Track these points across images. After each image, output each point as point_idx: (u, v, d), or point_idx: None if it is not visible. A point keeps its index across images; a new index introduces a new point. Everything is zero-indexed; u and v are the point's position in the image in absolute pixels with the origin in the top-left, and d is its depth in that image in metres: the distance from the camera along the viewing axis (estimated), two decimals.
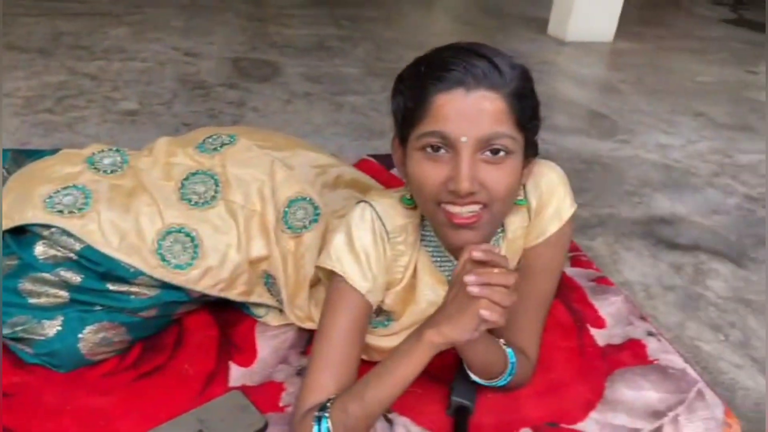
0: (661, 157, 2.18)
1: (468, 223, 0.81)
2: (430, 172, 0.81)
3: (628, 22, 3.86)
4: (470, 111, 0.78)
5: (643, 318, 1.30)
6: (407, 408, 1.02)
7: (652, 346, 1.22)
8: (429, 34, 3.57)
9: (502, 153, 0.80)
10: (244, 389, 1.02)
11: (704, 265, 1.56)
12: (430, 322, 0.82)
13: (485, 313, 0.75)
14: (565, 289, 1.36)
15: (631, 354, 1.20)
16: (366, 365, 1.03)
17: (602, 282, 1.40)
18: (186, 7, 3.46)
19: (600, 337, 1.24)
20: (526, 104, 0.82)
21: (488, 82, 0.78)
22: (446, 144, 0.80)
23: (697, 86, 3.03)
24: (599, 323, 1.27)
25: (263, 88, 2.41)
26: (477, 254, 0.77)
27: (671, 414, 1.07)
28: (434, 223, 0.88)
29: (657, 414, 1.06)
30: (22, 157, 1.36)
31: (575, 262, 1.47)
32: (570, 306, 1.31)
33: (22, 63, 2.38)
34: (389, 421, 1.00)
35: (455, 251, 0.94)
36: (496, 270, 0.76)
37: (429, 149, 0.81)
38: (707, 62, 3.46)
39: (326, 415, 0.83)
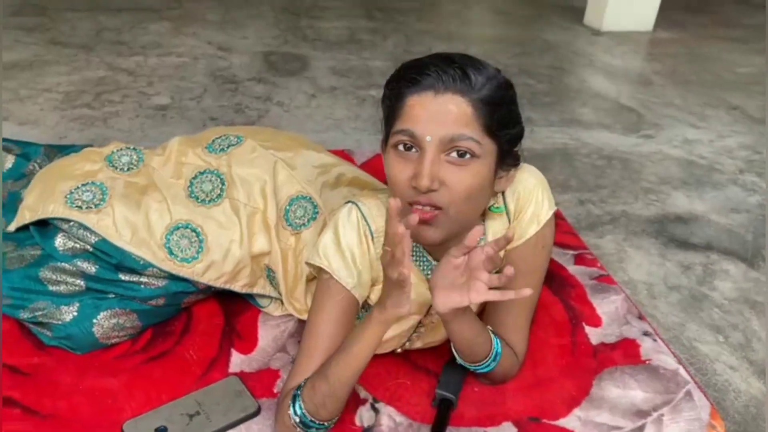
0: (686, 153, 2.15)
1: (427, 219, 0.86)
2: (400, 169, 0.87)
3: (670, 10, 3.76)
4: (437, 112, 0.84)
5: (641, 317, 1.31)
6: (395, 398, 1.08)
7: (646, 346, 1.23)
8: (460, 24, 3.56)
9: (467, 156, 0.84)
10: (242, 375, 1.09)
11: (714, 265, 1.55)
12: (378, 302, 0.87)
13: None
14: (565, 286, 1.38)
15: (623, 353, 1.21)
16: None
17: (604, 280, 1.42)
18: (224, 1, 3.56)
19: (594, 335, 1.26)
20: (497, 112, 0.86)
21: (456, 87, 0.84)
22: (414, 143, 0.85)
23: (735, 78, 2.94)
24: (595, 322, 1.29)
25: (290, 83, 2.47)
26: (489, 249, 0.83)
27: (655, 414, 1.09)
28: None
29: (641, 413, 1.08)
30: (54, 151, 1.46)
31: (579, 260, 1.48)
32: (567, 304, 1.33)
33: (65, 58, 2.51)
34: (375, 410, 1.05)
35: (433, 250, 0.99)
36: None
37: (401, 147, 0.87)
38: (750, 52, 3.35)
39: (299, 392, 0.91)
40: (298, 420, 0.91)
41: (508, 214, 1.02)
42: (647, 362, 1.19)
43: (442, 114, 0.84)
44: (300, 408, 0.90)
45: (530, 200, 1.01)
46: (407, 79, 0.86)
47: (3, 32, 2.74)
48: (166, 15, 3.20)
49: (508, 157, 0.91)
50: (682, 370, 1.18)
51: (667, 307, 1.39)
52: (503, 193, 1.01)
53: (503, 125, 0.87)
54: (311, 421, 0.90)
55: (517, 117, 0.91)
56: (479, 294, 0.83)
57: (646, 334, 1.27)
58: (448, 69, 0.84)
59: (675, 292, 1.44)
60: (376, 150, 1.92)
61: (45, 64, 2.44)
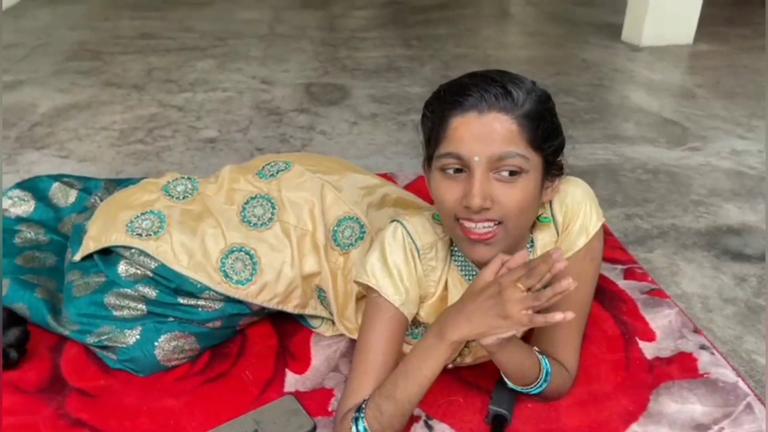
0: (735, 164, 2.11)
1: (483, 238, 0.88)
2: (448, 189, 0.89)
3: (710, 23, 3.71)
4: (482, 132, 0.85)
5: (696, 331, 1.29)
6: (448, 415, 1.08)
7: (704, 360, 1.21)
8: (496, 47, 3.60)
9: (515, 174, 0.86)
10: (297, 394, 1.12)
11: None
12: (448, 321, 0.88)
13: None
14: (616, 301, 1.37)
15: (680, 367, 1.19)
16: None
17: (656, 294, 1.40)
18: (264, 37, 3.68)
19: (648, 350, 1.24)
20: (540, 126, 0.87)
21: (499, 105, 0.85)
22: (462, 164, 0.87)
23: None
24: (649, 336, 1.27)
25: (332, 111, 2.54)
26: (514, 262, 0.85)
27: (716, 427, 1.06)
28: (454, 238, 0.95)
29: (701, 427, 1.06)
30: (113, 185, 1.54)
31: (629, 274, 1.47)
32: (619, 319, 1.32)
33: (118, 98, 2.64)
34: (429, 427, 1.06)
35: (482, 265, 1.00)
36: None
37: (449, 171, 0.88)
38: None
39: (362, 415, 0.91)
40: None
41: (556, 226, 1.02)
42: (705, 376, 1.17)
43: (487, 133, 0.85)
44: (364, 429, 0.92)
45: (578, 212, 1.01)
46: (449, 101, 0.88)
47: (60, 75, 2.91)
48: (211, 53, 3.33)
49: (553, 168, 0.93)
50: (741, 383, 1.15)
51: (723, 320, 1.36)
52: (551, 205, 1.02)
53: (547, 138, 0.89)
54: None
55: (559, 128, 0.93)
56: (522, 321, 0.82)
57: (703, 347, 1.24)
58: (489, 88, 0.86)
59: (731, 305, 1.41)
60: (418, 172, 1.95)
61: (101, 104, 2.57)
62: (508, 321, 0.82)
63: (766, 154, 2.15)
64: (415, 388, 0.90)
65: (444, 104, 0.88)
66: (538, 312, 0.82)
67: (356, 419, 0.92)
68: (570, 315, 0.80)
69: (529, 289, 0.81)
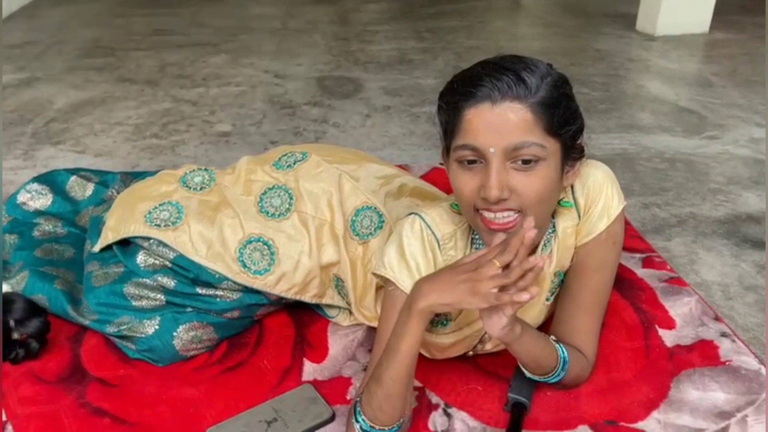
0: (754, 152, 2.08)
1: (503, 228, 0.87)
2: (465, 181, 0.88)
3: (725, 11, 3.66)
4: (497, 123, 0.84)
5: (717, 319, 1.27)
6: (467, 403, 1.08)
7: (726, 347, 1.20)
8: (509, 38, 3.57)
9: (533, 162, 0.85)
10: (315, 383, 1.12)
11: None
12: (417, 290, 0.87)
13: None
14: (635, 290, 1.35)
15: (701, 355, 1.18)
16: (426, 362, 1.10)
17: (675, 282, 1.38)
18: (277, 32, 3.68)
19: (669, 337, 1.23)
20: (556, 112, 0.86)
21: (513, 94, 0.84)
22: (478, 156, 0.86)
23: None
24: (669, 324, 1.26)
25: (345, 104, 2.53)
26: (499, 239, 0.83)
27: (739, 415, 1.05)
28: (476, 228, 0.94)
29: (723, 415, 1.05)
30: (129, 178, 1.55)
31: (647, 263, 1.45)
32: (638, 307, 1.30)
33: (133, 94, 2.65)
34: (448, 416, 1.06)
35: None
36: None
37: (465, 162, 0.88)
38: None
39: (358, 400, 0.93)
40: (359, 428, 0.92)
41: (578, 208, 1.01)
42: (727, 363, 1.16)
43: (502, 124, 0.84)
44: (360, 416, 0.92)
45: (600, 195, 1.00)
46: (461, 92, 0.87)
47: (75, 72, 2.93)
48: (224, 48, 3.34)
49: (572, 152, 0.92)
50: (764, 370, 1.13)
51: (744, 307, 1.35)
52: (572, 189, 1.01)
53: (564, 123, 0.87)
54: (371, 427, 0.91)
55: (576, 111, 0.91)
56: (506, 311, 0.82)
57: (724, 335, 1.23)
58: (501, 76, 0.84)
59: (752, 293, 1.39)
60: (432, 163, 1.94)
61: (115, 100, 2.59)
62: (476, 297, 0.81)
63: (767, 143, 2.12)
64: (397, 366, 0.88)
65: (457, 96, 0.87)
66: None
67: (354, 405, 0.94)
68: (532, 233, 0.78)
69: (507, 267, 0.80)
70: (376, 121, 2.37)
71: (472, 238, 1.02)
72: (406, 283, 0.97)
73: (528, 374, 1.02)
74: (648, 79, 2.85)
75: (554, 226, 1.02)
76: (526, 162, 0.85)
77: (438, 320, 1.09)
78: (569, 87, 0.90)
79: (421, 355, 1.02)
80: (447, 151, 0.93)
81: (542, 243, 1.01)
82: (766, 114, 2.37)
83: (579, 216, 1.02)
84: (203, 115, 2.43)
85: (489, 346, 1.12)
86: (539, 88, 0.85)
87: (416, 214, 1.01)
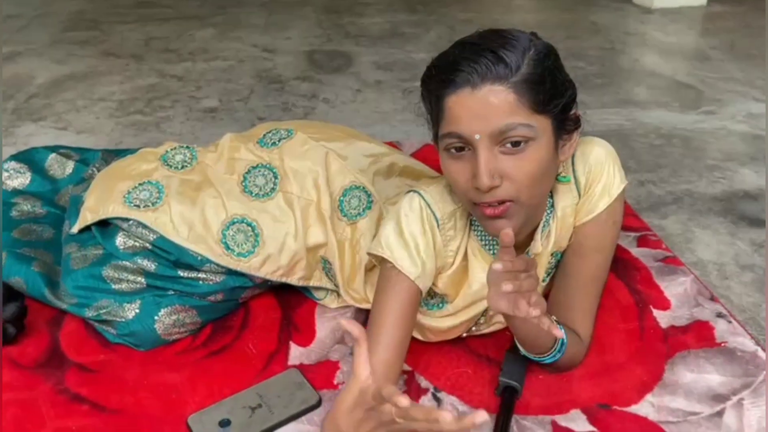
0: (751, 127, 2.04)
1: (498, 213, 0.83)
2: (456, 171, 0.85)
3: None
4: (478, 108, 0.80)
5: (713, 299, 1.25)
6: (457, 387, 1.05)
7: (721, 328, 1.17)
8: (504, 11, 3.49)
9: (522, 143, 0.81)
10: (302, 367, 1.09)
11: None
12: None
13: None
14: (629, 269, 1.33)
15: (696, 336, 1.16)
16: (416, 345, 1.08)
17: (670, 262, 1.35)
18: (266, 5, 3.59)
19: (663, 318, 1.20)
20: (542, 88, 0.82)
21: (492, 75, 0.80)
22: (464, 143, 0.83)
23: None
24: (663, 304, 1.23)
25: (335, 79, 2.47)
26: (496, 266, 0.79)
27: (735, 398, 1.03)
28: (474, 215, 0.92)
29: (719, 398, 1.03)
30: (111, 155, 1.50)
31: (642, 242, 1.42)
32: (633, 287, 1.28)
33: (117, 68, 2.58)
34: (438, 400, 1.03)
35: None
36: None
37: (453, 150, 0.84)
38: None
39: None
40: None
41: (578, 187, 0.98)
42: (723, 345, 1.13)
43: (483, 108, 0.80)
44: None
45: (602, 173, 0.97)
46: (440, 79, 0.83)
47: (58, 46, 2.85)
48: (211, 22, 3.25)
49: (566, 124, 0.87)
50: (761, 352, 1.11)
51: (740, 287, 1.32)
52: (574, 166, 0.97)
53: (551, 98, 0.83)
54: None
55: (565, 83, 0.86)
56: (521, 311, 0.79)
57: (719, 315, 1.20)
58: (479, 59, 0.80)
59: (748, 272, 1.36)
60: (424, 140, 1.89)
61: (99, 74, 2.52)
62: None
63: (767, 118, 2.08)
64: None
65: (437, 83, 0.84)
66: None
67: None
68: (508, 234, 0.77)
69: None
70: (368, 97, 2.31)
71: (471, 221, 0.99)
72: (405, 263, 0.94)
73: (523, 351, 0.99)
74: (645, 52, 2.80)
75: (553, 206, 0.99)
76: (515, 144, 0.81)
77: (434, 302, 1.06)
78: (555, 57, 0.86)
79: (412, 338, 0.99)
80: (436, 137, 0.90)
81: (541, 223, 0.98)
82: (765, 88, 2.33)
83: (579, 194, 0.98)
84: (189, 91, 2.36)
85: (484, 329, 1.09)
86: (520, 65, 0.80)
87: (415, 191, 0.98)
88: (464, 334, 1.10)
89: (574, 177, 0.98)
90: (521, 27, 0.91)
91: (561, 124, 0.86)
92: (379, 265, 1.01)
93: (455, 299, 1.04)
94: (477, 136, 0.80)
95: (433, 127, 0.90)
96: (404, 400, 0.66)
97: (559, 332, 0.83)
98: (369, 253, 1.01)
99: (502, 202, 0.84)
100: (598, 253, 1.02)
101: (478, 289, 1.01)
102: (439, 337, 1.09)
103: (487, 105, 0.80)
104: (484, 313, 1.05)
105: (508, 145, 0.82)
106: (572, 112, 0.88)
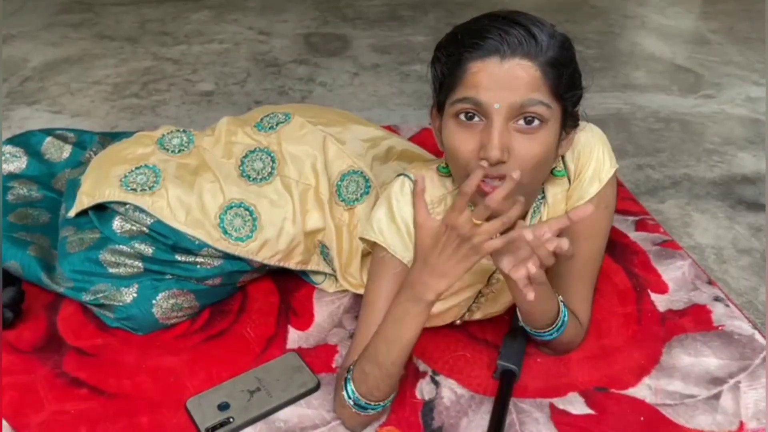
0: (750, 111, 2.04)
1: (494, 190, 0.82)
2: (463, 140, 0.83)
3: None
4: (504, 78, 0.79)
5: (711, 283, 1.25)
6: (455, 371, 1.06)
7: (718, 312, 1.18)
8: None
9: (536, 122, 0.80)
10: (300, 351, 1.09)
11: None
12: (419, 283, 0.82)
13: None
14: (627, 253, 1.33)
15: (693, 320, 1.16)
16: None
17: (668, 246, 1.35)
18: None
19: (661, 302, 1.20)
20: (564, 73, 0.82)
21: (523, 51, 0.79)
22: (479, 111, 0.81)
23: None
24: (661, 288, 1.24)
25: (332, 63, 2.45)
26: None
27: (732, 381, 1.03)
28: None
29: (716, 381, 1.03)
30: (108, 139, 1.49)
31: (640, 226, 1.42)
32: (630, 271, 1.28)
33: (112, 51, 2.55)
34: (436, 383, 1.03)
35: (490, 218, 0.95)
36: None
37: (462, 116, 0.83)
38: None
39: (349, 377, 0.90)
40: (352, 403, 0.89)
41: (568, 174, 0.97)
42: (720, 328, 1.14)
43: (509, 80, 0.79)
44: (353, 392, 0.89)
45: (591, 158, 0.96)
46: (467, 44, 0.81)
47: (52, 29, 2.81)
48: (207, 4, 3.21)
49: (570, 119, 0.88)
50: (758, 336, 1.12)
51: (738, 271, 1.32)
52: (563, 156, 0.97)
53: (570, 86, 0.83)
54: (366, 403, 0.89)
55: (580, 77, 0.87)
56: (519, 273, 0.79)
57: (717, 299, 1.20)
58: (511, 30, 0.79)
59: (746, 256, 1.37)
60: (422, 124, 1.88)
61: (93, 57, 2.49)
62: (482, 251, 0.77)
63: (767, 102, 2.08)
64: (398, 352, 0.85)
65: (461, 47, 0.82)
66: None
67: (345, 381, 0.90)
68: (516, 174, 0.75)
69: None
70: (365, 80, 2.29)
71: None
72: (397, 248, 0.94)
73: (521, 323, 0.99)
74: (643, 36, 2.78)
75: (544, 193, 0.98)
76: (529, 122, 0.81)
77: None
78: (574, 50, 0.86)
79: None
80: (440, 107, 0.88)
81: (531, 210, 0.97)
82: (765, 72, 2.32)
83: (569, 181, 0.98)
84: (185, 74, 2.34)
85: (477, 315, 1.09)
86: (549, 47, 0.80)
87: (405, 175, 0.97)
88: (458, 321, 1.10)
89: (564, 164, 0.98)
90: (521, 9, 0.89)
91: (566, 118, 0.86)
92: (371, 250, 1.01)
93: None
94: (497, 105, 0.79)
95: (439, 94, 0.88)
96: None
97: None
98: (361, 238, 1.01)
99: (501, 180, 0.83)
100: (591, 239, 1.01)
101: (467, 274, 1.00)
102: (430, 322, 1.09)
103: (513, 77, 0.79)
104: (476, 299, 1.05)
105: (521, 122, 0.81)
106: (576, 109, 0.89)
